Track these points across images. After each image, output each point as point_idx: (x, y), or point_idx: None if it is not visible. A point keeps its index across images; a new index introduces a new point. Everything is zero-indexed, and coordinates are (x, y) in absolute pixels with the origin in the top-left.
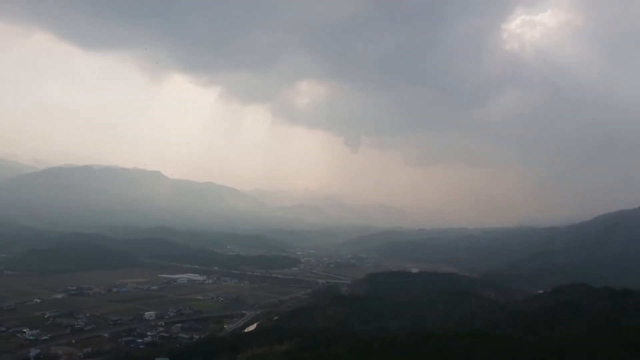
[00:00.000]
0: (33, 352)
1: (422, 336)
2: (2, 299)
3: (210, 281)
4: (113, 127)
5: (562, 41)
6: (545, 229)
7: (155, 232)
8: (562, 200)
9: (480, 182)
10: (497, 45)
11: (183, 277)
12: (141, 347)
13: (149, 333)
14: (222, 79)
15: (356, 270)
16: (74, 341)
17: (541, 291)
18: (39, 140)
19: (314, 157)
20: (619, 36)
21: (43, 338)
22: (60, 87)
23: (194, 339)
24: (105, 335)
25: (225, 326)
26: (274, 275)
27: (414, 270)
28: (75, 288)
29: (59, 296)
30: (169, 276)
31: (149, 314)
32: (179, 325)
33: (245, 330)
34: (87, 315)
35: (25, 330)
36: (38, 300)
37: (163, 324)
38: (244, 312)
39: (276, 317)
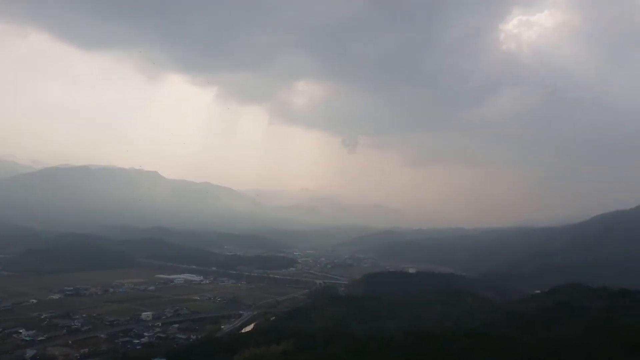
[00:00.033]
0: (29, 353)
1: (419, 336)
2: None
3: (208, 281)
4: (110, 127)
5: (559, 41)
6: (542, 229)
7: (152, 232)
8: (559, 200)
9: (477, 182)
10: (494, 45)
11: (180, 277)
12: (138, 347)
13: (145, 334)
14: (219, 79)
15: (353, 270)
16: (70, 342)
17: (538, 291)
18: (36, 140)
19: (311, 157)
20: (615, 36)
21: (39, 339)
22: (57, 87)
23: (191, 340)
24: (102, 335)
25: (222, 327)
26: (271, 275)
27: (412, 270)
28: (71, 288)
29: (56, 297)
30: (166, 276)
31: (146, 315)
32: (176, 325)
33: (243, 331)
34: (84, 315)
35: (21, 331)
36: (34, 301)
37: (160, 325)
38: (241, 312)
39: (273, 318)
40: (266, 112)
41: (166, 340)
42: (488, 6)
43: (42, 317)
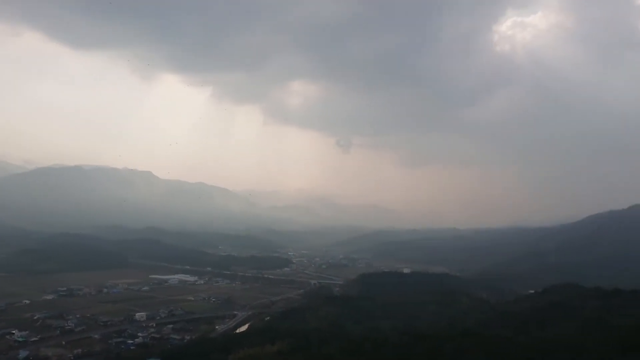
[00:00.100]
0: (22, 353)
1: (413, 336)
2: None
3: (202, 282)
4: (104, 127)
5: (552, 43)
6: (536, 229)
7: (146, 233)
8: (553, 200)
9: (472, 183)
10: (488, 46)
11: (174, 277)
12: (132, 348)
13: (139, 334)
14: (214, 79)
15: (348, 270)
16: (64, 342)
17: (532, 291)
18: (29, 140)
19: (306, 157)
20: (609, 38)
21: (32, 339)
22: (50, 86)
23: (185, 340)
24: (96, 336)
25: (216, 327)
26: (266, 275)
27: (406, 270)
28: (65, 289)
29: (49, 297)
30: (160, 277)
31: (140, 315)
32: (170, 326)
33: (237, 331)
34: (78, 316)
35: (14, 331)
36: (27, 302)
37: (154, 325)
38: (235, 312)
39: (268, 318)
40: (261, 112)
41: (160, 340)
42: (482, 7)
43: (35, 317)
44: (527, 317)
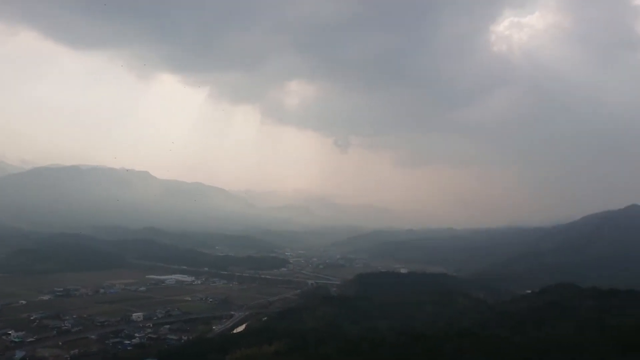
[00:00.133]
0: (19, 354)
1: (411, 337)
2: None
3: (199, 282)
4: (101, 127)
5: (549, 43)
6: (533, 229)
7: (143, 233)
8: (550, 200)
9: (469, 183)
10: (485, 46)
11: (171, 278)
12: (129, 348)
13: (136, 334)
14: (212, 79)
15: (345, 270)
16: (60, 343)
17: (529, 291)
18: (25, 140)
19: (303, 157)
20: (606, 38)
21: (29, 340)
22: (47, 86)
23: (183, 340)
24: (93, 336)
25: (213, 327)
26: (263, 276)
27: (403, 270)
28: (62, 289)
29: (46, 297)
30: (157, 277)
31: (137, 315)
32: (167, 326)
33: (234, 331)
34: (74, 316)
35: (10, 332)
36: (24, 302)
37: (151, 325)
38: (232, 313)
39: (265, 318)
40: (258, 112)
41: (157, 341)
42: (479, 8)
43: (32, 318)
44: (524, 317)
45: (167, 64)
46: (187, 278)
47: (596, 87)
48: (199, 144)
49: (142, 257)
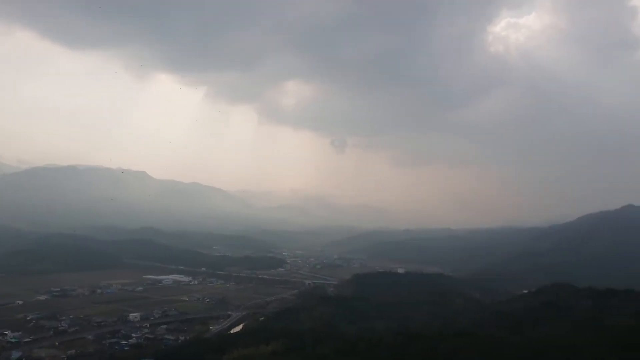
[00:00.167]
0: (15, 354)
1: (408, 337)
2: None
3: (196, 282)
4: (97, 127)
5: (546, 44)
6: (529, 229)
7: (140, 233)
8: (546, 200)
9: (466, 183)
10: (482, 47)
11: (168, 278)
12: (126, 348)
13: (133, 335)
14: (209, 79)
15: (342, 270)
16: (57, 343)
17: (525, 291)
18: (22, 140)
19: (300, 157)
20: (602, 39)
21: (25, 340)
22: (43, 86)
23: (180, 341)
24: (89, 337)
25: (211, 327)
26: (260, 276)
27: (400, 270)
28: (58, 289)
29: (42, 298)
30: (154, 277)
31: (134, 316)
32: (164, 326)
33: (231, 332)
34: (71, 317)
35: (7, 332)
36: (20, 302)
37: (148, 326)
38: (229, 313)
39: (262, 318)
40: (255, 112)
41: (154, 341)
42: (476, 8)
43: (28, 318)
44: (520, 317)
45: (164, 63)
46: (185, 278)
47: (592, 88)
48: (196, 144)
49: (139, 257)
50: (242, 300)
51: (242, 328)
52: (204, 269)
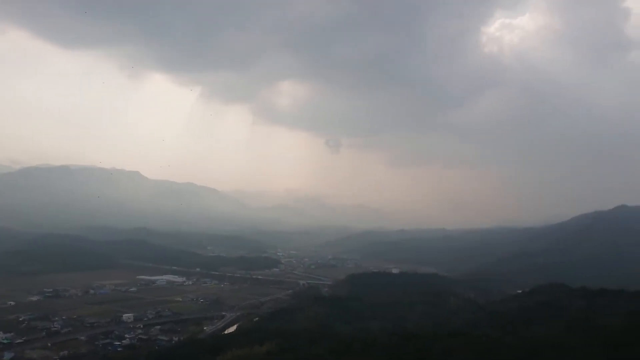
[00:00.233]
0: (7, 355)
1: (402, 337)
2: None
3: (190, 282)
4: (91, 126)
5: (540, 44)
6: (524, 230)
7: (134, 233)
8: (541, 200)
9: (460, 183)
10: (476, 48)
11: (162, 278)
12: (119, 349)
13: (127, 335)
14: (203, 79)
15: (337, 271)
16: (49, 344)
17: (519, 291)
18: (14, 139)
19: (295, 157)
20: (596, 40)
21: (17, 341)
22: (36, 85)
23: (173, 341)
24: (82, 338)
25: (205, 328)
26: (255, 276)
27: (395, 271)
28: (51, 290)
29: (34, 298)
30: (148, 278)
31: (127, 316)
32: (158, 327)
33: (226, 332)
34: (64, 317)
35: None
36: (12, 303)
37: (141, 326)
38: (224, 313)
39: (257, 319)
40: (250, 112)
41: (148, 342)
42: (470, 9)
43: (21, 319)
44: (514, 317)
45: (158, 63)
46: (178, 279)
47: (586, 89)
48: (190, 144)
49: (132, 258)
50: (236, 301)
51: (237, 328)
52: (198, 269)
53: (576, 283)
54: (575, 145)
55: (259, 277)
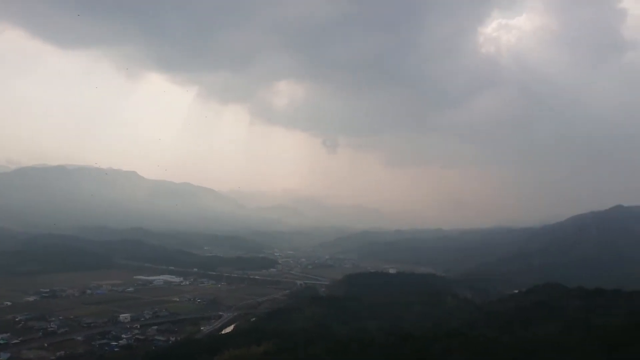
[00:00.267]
0: (3, 356)
1: (400, 337)
2: None
3: (187, 283)
4: (88, 126)
5: (537, 45)
6: (521, 230)
7: (131, 233)
8: (538, 200)
9: (458, 183)
10: (474, 48)
11: (159, 278)
12: (116, 350)
13: (124, 336)
14: (200, 79)
15: (334, 271)
16: (46, 345)
17: (516, 291)
18: (10, 139)
19: (292, 157)
20: (593, 40)
21: (14, 342)
22: (33, 85)
23: (171, 342)
24: (79, 338)
25: (202, 328)
26: (252, 276)
27: (392, 271)
28: (48, 290)
29: (31, 299)
30: (145, 278)
31: (124, 316)
32: (155, 327)
33: (223, 332)
34: (60, 318)
35: None
36: (9, 303)
37: (138, 327)
38: (221, 313)
39: (254, 319)
40: (247, 112)
41: (145, 342)
42: (467, 9)
43: (17, 319)
44: (511, 317)
45: (155, 63)
46: (176, 279)
47: (582, 89)
48: (187, 144)
49: (129, 258)
50: (233, 301)
51: (234, 329)
52: (195, 269)
53: (573, 283)
54: (571, 146)
55: (256, 277)
